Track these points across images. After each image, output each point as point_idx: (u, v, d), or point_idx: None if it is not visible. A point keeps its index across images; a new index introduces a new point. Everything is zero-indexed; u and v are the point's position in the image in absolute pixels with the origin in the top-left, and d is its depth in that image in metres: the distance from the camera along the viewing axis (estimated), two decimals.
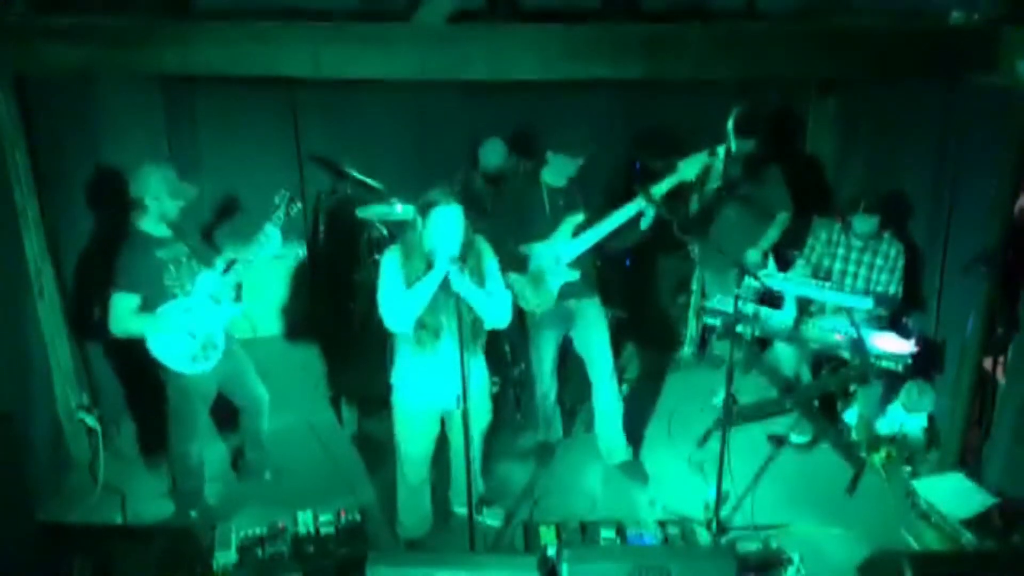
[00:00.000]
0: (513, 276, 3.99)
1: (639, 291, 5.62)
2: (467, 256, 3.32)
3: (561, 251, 4.01)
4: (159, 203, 3.50)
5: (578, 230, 4.01)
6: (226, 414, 4.12)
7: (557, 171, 3.99)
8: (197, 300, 3.60)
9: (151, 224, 3.55)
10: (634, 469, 4.34)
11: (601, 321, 4.19)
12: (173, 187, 3.51)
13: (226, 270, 3.66)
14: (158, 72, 4.14)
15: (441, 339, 3.38)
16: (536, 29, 3.48)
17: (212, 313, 3.63)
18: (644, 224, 3.98)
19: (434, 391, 3.45)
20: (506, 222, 4.04)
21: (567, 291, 4.05)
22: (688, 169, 3.90)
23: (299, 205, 3.78)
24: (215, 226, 4.99)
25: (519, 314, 4.26)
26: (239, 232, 4.21)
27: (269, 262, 3.80)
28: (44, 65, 3.50)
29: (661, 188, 3.92)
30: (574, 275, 4.01)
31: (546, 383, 4.35)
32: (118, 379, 4.53)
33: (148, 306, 3.52)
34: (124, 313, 3.48)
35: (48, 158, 3.88)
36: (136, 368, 3.67)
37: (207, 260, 3.67)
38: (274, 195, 3.73)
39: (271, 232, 3.66)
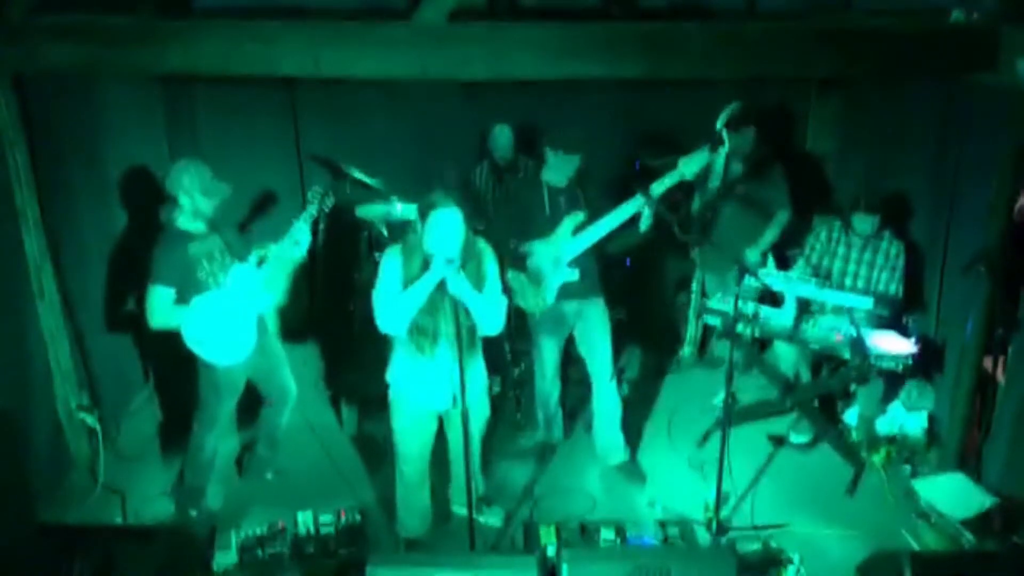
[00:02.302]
0: (513, 275, 3.99)
1: (639, 291, 5.62)
2: (467, 259, 3.30)
3: (561, 251, 3.99)
4: (192, 200, 3.53)
5: (578, 230, 3.99)
6: (244, 409, 4.12)
7: (557, 170, 3.98)
8: (230, 292, 3.61)
9: (185, 220, 3.58)
10: (631, 470, 4.33)
11: (604, 322, 4.17)
12: (206, 184, 3.53)
13: (259, 263, 3.69)
14: (158, 72, 4.15)
15: (439, 342, 3.37)
16: (536, 28, 3.47)
17: (245, 306, 3.64)
18: (643, 226, 3.96)
19: (430, 392, 3.45)
20: (507, 222, 4.04)
21: (571, 291, 4.03)
22: (688, 167, 3.86)
23: (332, 199, 3.83)
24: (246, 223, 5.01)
25: (520, 314, 4.27)
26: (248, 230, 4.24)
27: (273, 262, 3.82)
28: (44, 65, 3.49)
29: (661, 186, 3.89)
30: (573, 275, 3.99)
31: (548, 384, 4.35)
32: (151, 368, 4.62)
33: (183, 299, 3.54)
34: (161, 306, 3.52)
35: (48, 158, 3.88)
36: (169, 358, 3.70)
37: (240, 254, 3.70)
38: (278, 193, 3.73)
39: (301, 228, 3.67)
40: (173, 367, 3.85)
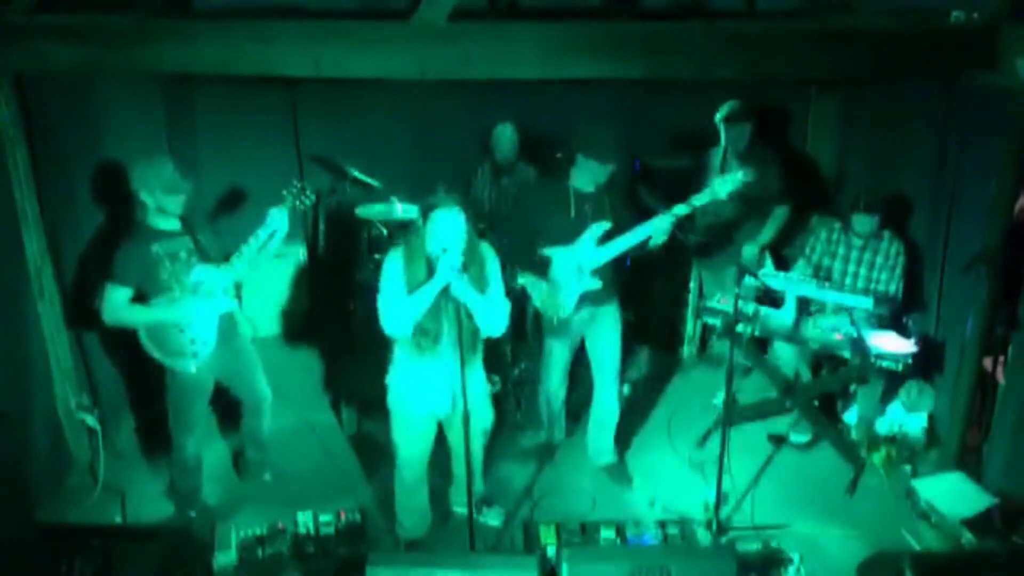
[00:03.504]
0: (533, 280, 3.98)
1: (638, 291, 5.61)
2: (470, 262, 3.29)
3: (584, 259, 3.92)
4: (154, 198, 3.47)
5: (603, 239, 3.92)
6: (228, 412, 4.11)
7: (586, 176, 3.91)
8: (189, 294, 3.58)
9: (152, 218, 3.54)
10: (619, 471, 4.33)
11: (616, 326, 4.14)
12: (167, 182, 3.46)
13: (222, 263, 3.64)
14: (158, 71, 4.14)
15: (440, 344, 3.36)
16: (536, 28, 3.47)
17: (204, 308, 3.60)
18: (654, 242, 3.92)
19: (430, 396, 3.45)
20: (530, 225, 3.97)
21: (586, 297, 3.99)
22: (722, 187, 3.86)
23: (312, 198, 3.70)
24: (218, 221, 4.98)
25: (521, 314, 4.26)
26: (240, 229, 4.22)
27: (270, 262, 3.79)
28: (44, 64, 3.49)
29: (690, 206, 3.87)
30: (595, 284, 3.94)
31: (554, 386, 4.33)
32: (120, 373, 4.53)
33: (142, 299, 3.52)
34: (116, 304, 3.49)
35: (48, 158, 3.88)
36: (137, 362, 3.69)
37: (209, 256, 3.65)
38: (275, 192, 3.71)
39: (275, 216, 3.60)
40: (143, 369, 3.79)
